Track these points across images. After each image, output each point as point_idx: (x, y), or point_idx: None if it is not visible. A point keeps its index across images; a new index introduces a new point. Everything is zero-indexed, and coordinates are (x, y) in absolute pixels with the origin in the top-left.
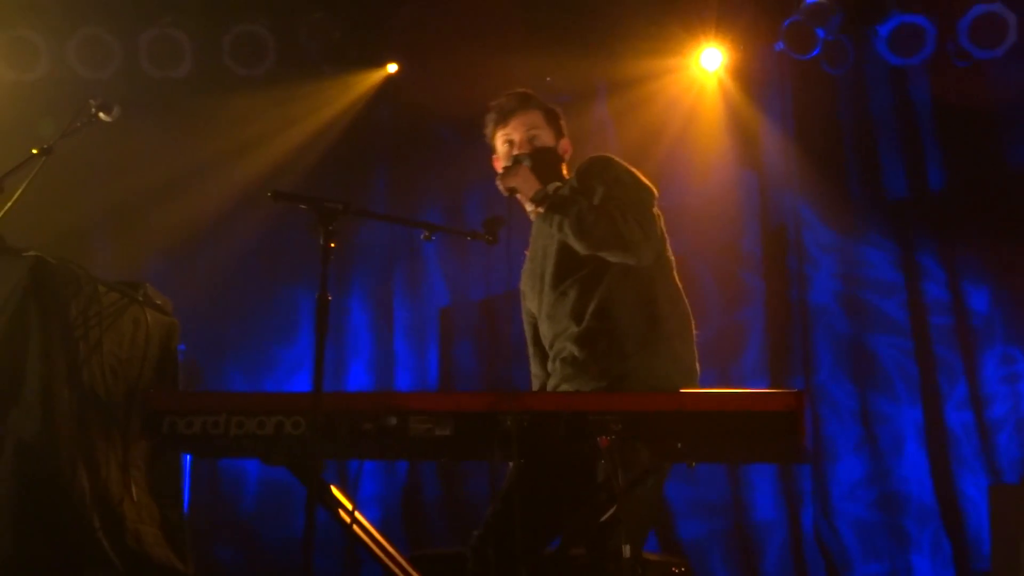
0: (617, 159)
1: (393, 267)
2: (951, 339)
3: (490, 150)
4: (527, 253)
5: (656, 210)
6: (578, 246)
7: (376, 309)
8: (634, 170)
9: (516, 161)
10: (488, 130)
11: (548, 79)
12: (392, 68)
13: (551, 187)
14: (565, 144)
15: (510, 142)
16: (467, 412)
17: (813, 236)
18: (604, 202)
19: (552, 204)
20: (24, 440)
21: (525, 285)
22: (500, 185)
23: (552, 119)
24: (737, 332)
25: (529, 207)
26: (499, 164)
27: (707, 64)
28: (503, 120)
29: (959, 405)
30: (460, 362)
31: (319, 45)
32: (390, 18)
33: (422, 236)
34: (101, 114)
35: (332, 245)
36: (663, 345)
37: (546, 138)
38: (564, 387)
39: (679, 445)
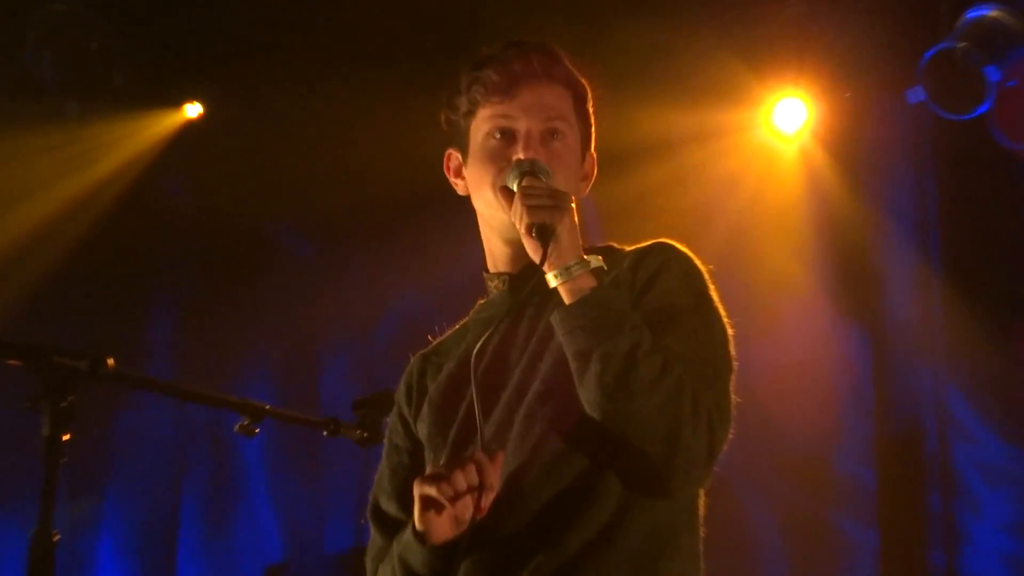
0: (701, 265)
1: (181, 483)
2: None
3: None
4: (458, 326)
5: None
6: (593, 405)
7: (147, 561)
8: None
9: (528, 172)
10: (466, 95)
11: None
12: (194, 110)
13: (592, 262)
14: (591, 162)
15: (505, 132)
16: None
17: (972, 451)
18: (674, 360)
19: (593, 303)
20: None
21: (434, 390)
22: (525, 213)
23: (582, 109)
24: None
25: (553, 278)
26: (470, 164)
27: (783, 122)
28: (508, 88)
29: None
30: None
31: (60, 65)
32: (195, 22)
33: (237, 428)
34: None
35: (66, 438)
36: None
37: (571, 141)
38: None
39: None
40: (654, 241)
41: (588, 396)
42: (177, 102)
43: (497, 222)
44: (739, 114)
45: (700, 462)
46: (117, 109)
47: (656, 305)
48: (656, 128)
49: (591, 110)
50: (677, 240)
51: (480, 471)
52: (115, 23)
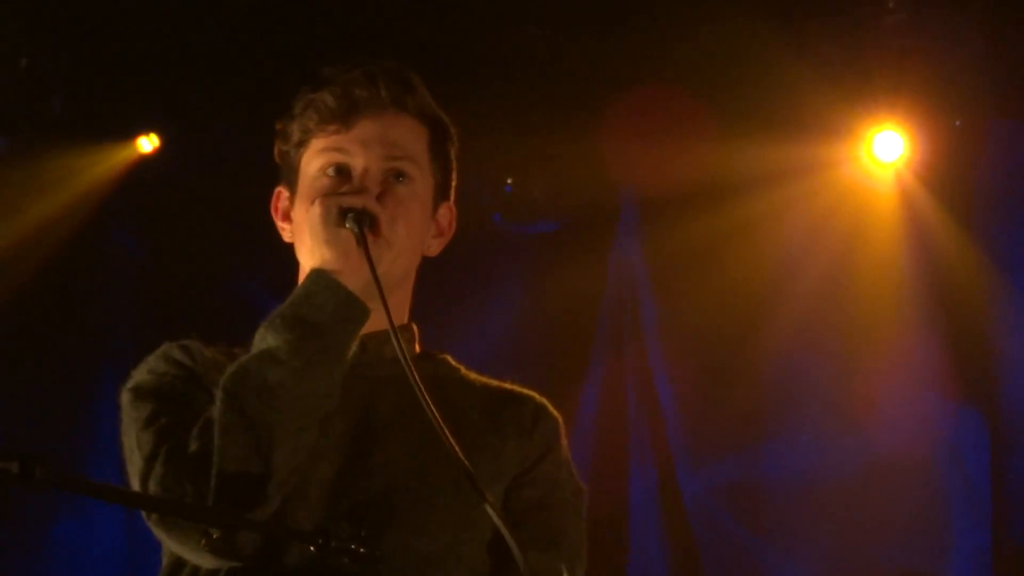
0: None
1: None
2: None
3: None
4: None
5: None
6: None
7: None
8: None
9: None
10: (298, 122)
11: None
12: (147, 144)
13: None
14: (448, 215)
15: (340, 169)
16: None
17: None
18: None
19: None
20: None
21: None
22: (316, 247)
23: (440, 150)
24: None
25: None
26: (297, 205)
27: (883, 152)
28: (345, 116)
29: None
30: None
31: None
32: (151, 36)
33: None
34: None
35: None
36: None
37: (420, 187)
38: None
39: None
40: (532, 395)
41: None
42: (129, 134)
43: None
44: (828, 148)
45: None
46: (54, 143)
47: (544, 494)
48: (722, 165)
49: (453, 154)
50: (759, 292)
51: None
52: (52, 37)
